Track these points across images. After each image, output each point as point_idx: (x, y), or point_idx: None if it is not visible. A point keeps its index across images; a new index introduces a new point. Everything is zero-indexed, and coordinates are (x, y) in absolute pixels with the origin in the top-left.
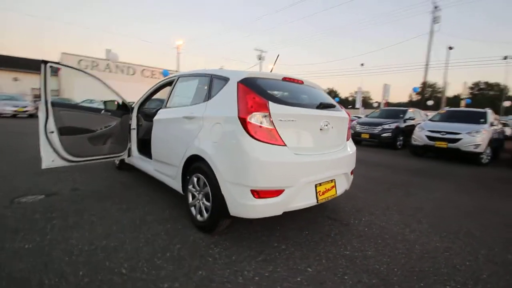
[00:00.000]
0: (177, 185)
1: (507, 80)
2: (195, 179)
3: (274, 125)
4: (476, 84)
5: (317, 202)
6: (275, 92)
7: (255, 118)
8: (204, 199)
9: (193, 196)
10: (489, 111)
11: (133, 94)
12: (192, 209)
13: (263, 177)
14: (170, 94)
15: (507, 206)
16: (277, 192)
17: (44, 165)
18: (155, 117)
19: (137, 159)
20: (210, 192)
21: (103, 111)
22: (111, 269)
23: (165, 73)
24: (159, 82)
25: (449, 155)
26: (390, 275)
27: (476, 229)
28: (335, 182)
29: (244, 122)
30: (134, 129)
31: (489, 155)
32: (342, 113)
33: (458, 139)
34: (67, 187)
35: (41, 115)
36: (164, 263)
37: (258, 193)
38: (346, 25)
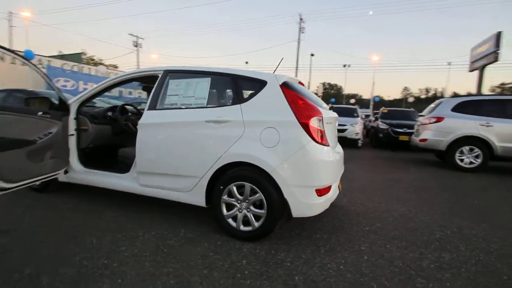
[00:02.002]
0: (193, 198)
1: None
2: (234, 188)
3: (324, 128)
4: (323, 84)
5: (339, 192)
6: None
7: (314, 122)
8: (252, 207)
9: (231, 207)
10: (357, 107)
11: None
12: (230, 220)
13: (325, 176)
14: (159, 93)
15: (380, 171)
16: (329, 188)
17: None
18: (142, 121)
19: (85, 175)
20: (263, 198)
21: (40, 113)
22: None
23: (28, 54)
24: (119, 77)
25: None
26: None
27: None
28: None
29: (306, 126)
30: (72, 135)
31: (362, 140)
32: (335, 114)
33: (345, 129)
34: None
35: None
36: (252, 284)
37: (320, 192)
38: (235, 22)
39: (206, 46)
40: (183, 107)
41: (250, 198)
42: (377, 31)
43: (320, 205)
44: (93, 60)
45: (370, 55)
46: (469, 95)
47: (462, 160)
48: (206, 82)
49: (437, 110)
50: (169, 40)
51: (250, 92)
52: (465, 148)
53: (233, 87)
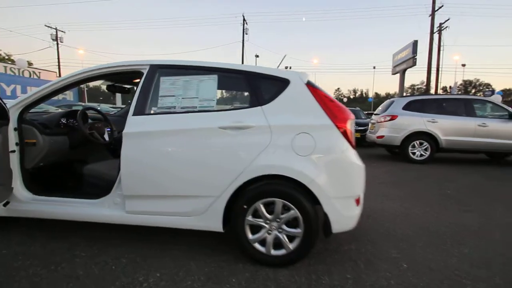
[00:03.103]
0: (205, 222)
1: None
2: (262, 206)
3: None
4: None
5: None
6: None
7: (349, 125)
8: (284, 227)
9: (257, 229)
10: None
11: None
12: (257, 245)
13: (362, 183)
14: (148, 93)
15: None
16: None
17: None
18: (128, 130)
19: (36, 205)
20: (299, 216)
21: None
22: None
23: None
24: (81, 73)
25: None
26: None
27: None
28: None
29: (343, 130)
30: (13, 151)
31: None
32: None
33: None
34: None
35: None
36: None
37: (358, 201)
38: (175, 18)
39: (140, 43)
40: (184, 110)
41: (282, 216)
42: (315, 36)
43: (358, 216)
44: None
45: (311, 58)
46: (416, 95)
47: (414, 153)
48: (212, 80)
49: (390, 109)
50: (98, 34)
51: (269, 92)
52: (416, 142)
53: (249, 86)
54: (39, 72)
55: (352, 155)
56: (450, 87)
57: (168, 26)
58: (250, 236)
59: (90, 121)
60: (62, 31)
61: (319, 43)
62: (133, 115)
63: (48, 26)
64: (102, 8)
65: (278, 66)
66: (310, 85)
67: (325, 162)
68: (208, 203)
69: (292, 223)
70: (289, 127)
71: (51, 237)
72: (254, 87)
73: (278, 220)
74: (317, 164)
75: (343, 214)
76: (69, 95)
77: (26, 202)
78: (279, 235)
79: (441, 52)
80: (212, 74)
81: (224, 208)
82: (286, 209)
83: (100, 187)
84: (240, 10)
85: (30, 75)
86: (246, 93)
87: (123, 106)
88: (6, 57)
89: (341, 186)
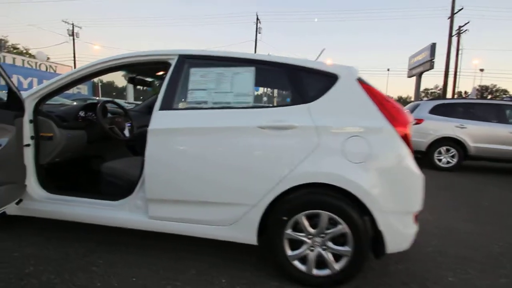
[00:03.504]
0: (237, 233)
1: None
2: (304, 219)
3: None
4: None
5: None
6: None
7: (409, 128)
8: (330, 243)
9: (297, 244)
10: None
11: None
12: (297, 263)
13: (422, 196)
14: (176, 86)
15: None
16: None
17: None
18: (154, 126)
19: (50, 204)
20: (349, 231)
21: None
22: None
23: None
24: (102, 62)
25: None
26: None
27: None
28: None
29: (403, 134)
30: (27, 145)
31: None
32: None
33: None
34: None
35: None
36: None
37: (416, 217)
38: (190, 16)
39: (155, 40)
40: (217, 106)
41: (327, 231)
42: (329, 37)
43: (414, 235)
44: (17, 48)
45: (324, 59)
46: (444, 98)
47: (440, 160)
48: (249, 73)
49: (416, 112)
50: (113, 30)
51: (315, 88)
52: (443, 149)
53: (291, 81)
54: (55, 66)
55: (412, 163)
56: (465, 92)
57: (180, 24)
58: (289, 252)
59: (109, 115)
60: (78, 27)
61: (332, 44)
62: (159, 109)
63: (65, 22)
64: (121, 4)
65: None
66: (361, 82)
67: (382, 170)
68: (242, 212)
69: (339, 239)
70: (339, 129)
71: (66, 239)
72: (298, 82)
73: (323, 235)
74: (372, 173)
75: (401, 232)
76: (83, 89)
77: (40, 201)
78: (323, 252)
79: (459, 56)
80: (248, 66)
81: (260, 218)
82: (332, 223)
83: (120, 188)
84: (254, 9)
85: (46, 69)
86: (287, 89)
87: (137, 102)
88: (24, 51)
89: (399, 199)
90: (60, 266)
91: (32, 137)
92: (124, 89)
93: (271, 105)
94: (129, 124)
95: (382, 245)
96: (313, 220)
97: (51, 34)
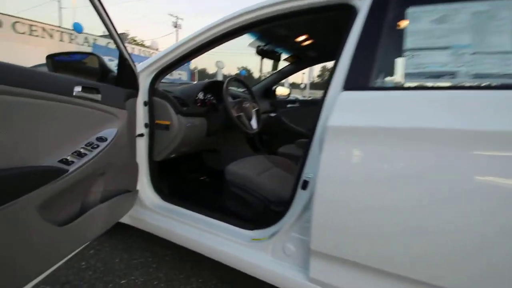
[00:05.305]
0: None
1: None
2: None
3: None
4: None
5: None
6: None
7: None
8: None
9: None
10: None
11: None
12: None
13: None
14: (378, 44)
15: None
16: None
17: None
18: (335, 122)
19: (164, 218)
20: None
21: (78, 90)
22: None
23: (77, 26)
24: (240, 14)
25: None
26: None
27: None
28: None
29: None
30: (141, 135)
31: None
32: None
33: None
34: None
35: None
36: None
37: None
38: None
39: None
40: (478, 84)
41: None
42: None
43: None
44: (135, 41)
45: None
46: None
47: None
48: None
49: None
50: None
51: None
52: None
53: None
54: None
55: None
56: None
57: None
58: None
59: (237, 99)
60: (181, 19)
61: None
62: (345, 89)
63: (171, 15)
64: None
65: None
66: None
67: None
68: None
69: None
70: None
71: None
72: None
73: None
74: None
75: None
76: (184, 75)
77: (153, 211)
78: None
79: None
80: None
81: None
82: None
83: (248, 207)
84: None
85: None
86: None
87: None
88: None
89: None
90: None
91: (146, 125)
92: (214, 75)
93: None
94: (255, 111)
95: None
96: None
97: (158, 26)
